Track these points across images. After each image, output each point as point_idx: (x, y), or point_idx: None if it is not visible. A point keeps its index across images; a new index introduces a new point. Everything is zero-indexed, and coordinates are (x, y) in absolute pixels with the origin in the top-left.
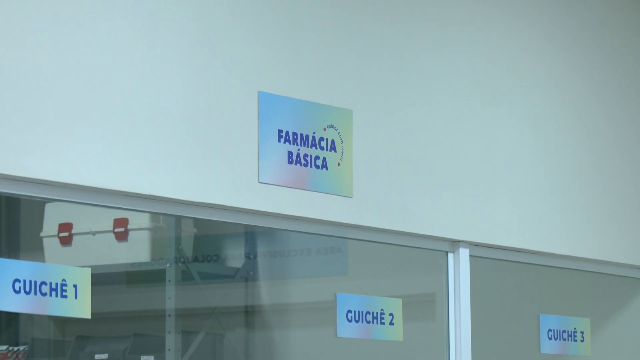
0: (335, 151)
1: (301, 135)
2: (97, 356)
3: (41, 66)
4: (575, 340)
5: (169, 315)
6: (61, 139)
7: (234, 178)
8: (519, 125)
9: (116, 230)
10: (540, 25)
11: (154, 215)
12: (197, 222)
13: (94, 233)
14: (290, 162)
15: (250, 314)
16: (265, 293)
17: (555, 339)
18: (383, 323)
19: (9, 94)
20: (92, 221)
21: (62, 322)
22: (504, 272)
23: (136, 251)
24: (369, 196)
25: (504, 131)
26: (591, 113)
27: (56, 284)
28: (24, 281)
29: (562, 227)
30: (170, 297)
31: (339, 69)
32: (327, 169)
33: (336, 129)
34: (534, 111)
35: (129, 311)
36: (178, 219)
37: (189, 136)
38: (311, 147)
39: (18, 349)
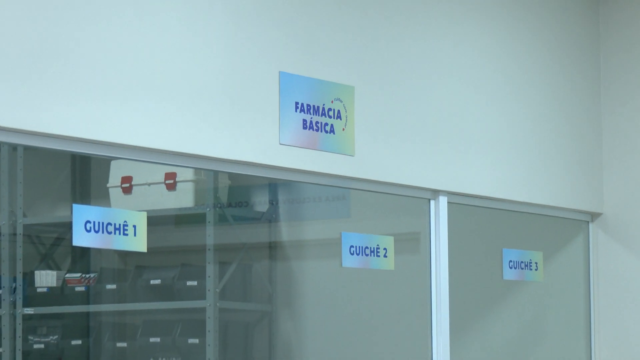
0: (341, 119)
1: (313, 106)
2: (151, 282)
3: (109, 51)
4: (531, 269)
5: (209, 249)
6: (125, 110)
7: (260, 140)
8: (487, 97)
9: (167, 182)
10: (507, 14)
11: (197, 170)
12: (231, 175)
13: (149, 184)
14: (304, 128)
15: (273, 249)
16: (285, 232)
17: (515, 268)
18: (378, 256)
19: (84, 74)
20: (148, 175)
21: (124, 255)
22: (475, 215)
23: (182, 198)
24: (368, 155)
25: (475, 104)
26: (551, 81)
27: (119, 224)
28: (94, 222)
29: (523, 178)
30: (210, 235)
31: (344, 54)
32: (334, 133)
33: (341, 102)
34: (498, 85)
35: (177, 246)
36: (216, 173)
37: (225, 108)
38: (321, 115)
39: (89, 276)
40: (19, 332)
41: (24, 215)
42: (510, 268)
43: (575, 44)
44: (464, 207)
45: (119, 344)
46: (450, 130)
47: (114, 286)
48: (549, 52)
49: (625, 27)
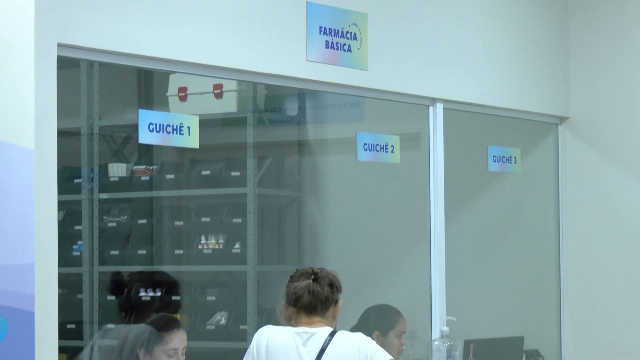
0: (356, 40)
1: (334, 29)
2: (203, 172)
3: None
4: (511, 163)
5: (249, 146)
6: (181, 33)
7: (292, 57)
8: (475, 22)
9: (215, 91)
10: None
11: (240, 81)
12: (268, 85)
13: (201, 93)
14: (327, 47)
15: (301, 146)
16: (311, 132)
17: (498, 161)
18: (387, 151)
19: (147, 3)
20: (200, 85)
21: (180, 151)
22: (466, 119)
23: (228, 105)
24: (378, 69)
25: (466, 28)
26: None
27: (176, 126)
28: (156, 124)
29: (503, 88)
30: (250, 135)
31: None
32: (351, 52)
33: (357, 26)
34: (484, 8)
35: (223, 144)
36: (255, 84)
37: (263, 31)
38: (341, 37)
39: (152, 168)
40: (96, 213)
41: (100, 119)
42: (494, 161)
43: None
44: (457, 112)
45: (176, 223)
46: (446, 49)
47: (172, 176)
48: None
49: None
